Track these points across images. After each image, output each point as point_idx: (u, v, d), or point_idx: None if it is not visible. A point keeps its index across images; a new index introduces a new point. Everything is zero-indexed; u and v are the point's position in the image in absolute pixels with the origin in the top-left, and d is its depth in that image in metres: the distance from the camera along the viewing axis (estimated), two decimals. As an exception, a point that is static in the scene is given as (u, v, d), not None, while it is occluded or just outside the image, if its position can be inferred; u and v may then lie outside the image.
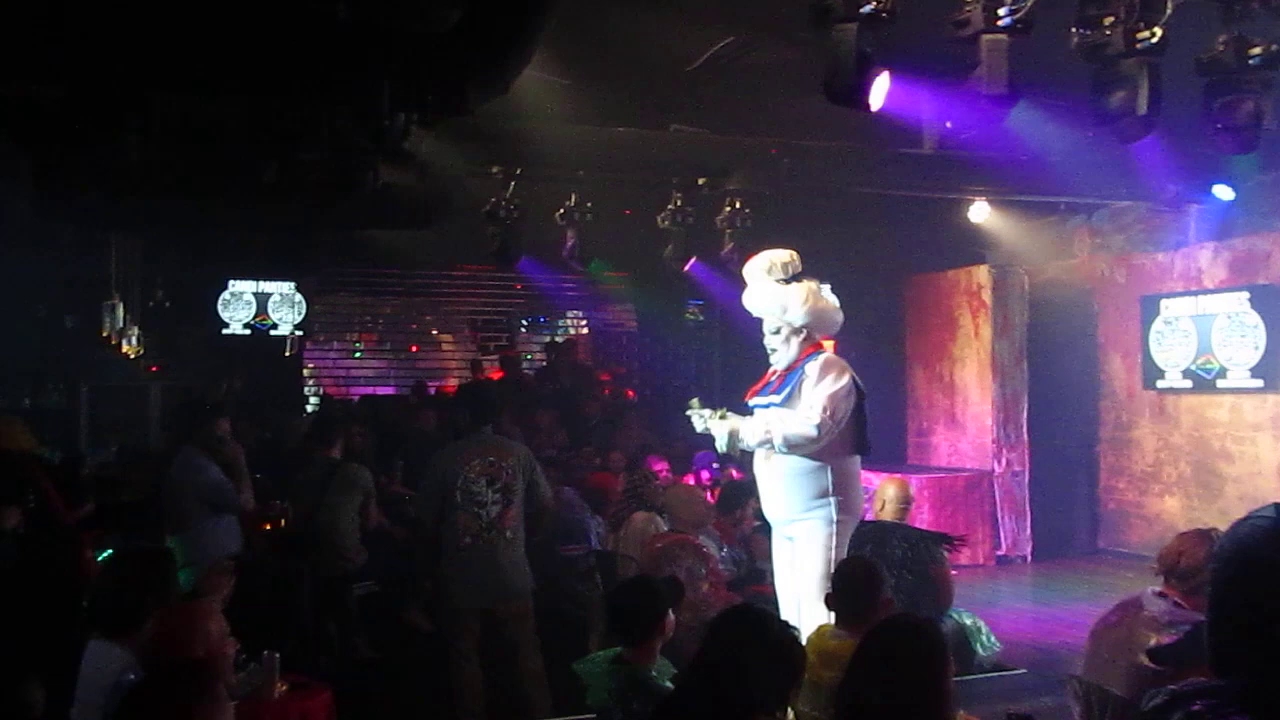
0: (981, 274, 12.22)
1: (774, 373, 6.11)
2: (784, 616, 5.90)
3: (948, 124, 9.27)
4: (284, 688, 4.70)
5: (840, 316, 6.20)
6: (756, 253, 6.29)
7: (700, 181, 8.89)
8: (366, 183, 6.63)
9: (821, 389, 5.74)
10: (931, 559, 6.59)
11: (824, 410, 5.68)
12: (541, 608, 8.03)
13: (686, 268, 9.44)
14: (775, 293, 6.02)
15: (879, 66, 4.90)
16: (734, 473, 9.87)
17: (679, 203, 9.00)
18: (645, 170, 8.76)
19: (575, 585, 7.90)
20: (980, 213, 10.55)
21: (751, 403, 6.15)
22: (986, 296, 12.10)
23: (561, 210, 8.98)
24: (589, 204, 8.97)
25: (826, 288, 6.22)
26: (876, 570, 4.47)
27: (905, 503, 6.96)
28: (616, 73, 8.08)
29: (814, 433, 5.67)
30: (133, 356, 11.73)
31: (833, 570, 5.75)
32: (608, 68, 7.91)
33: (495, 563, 6.34)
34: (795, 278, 6.07)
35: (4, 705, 4.68)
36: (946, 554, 6.77)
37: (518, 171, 8.48)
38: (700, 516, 7.09)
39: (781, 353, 6.02)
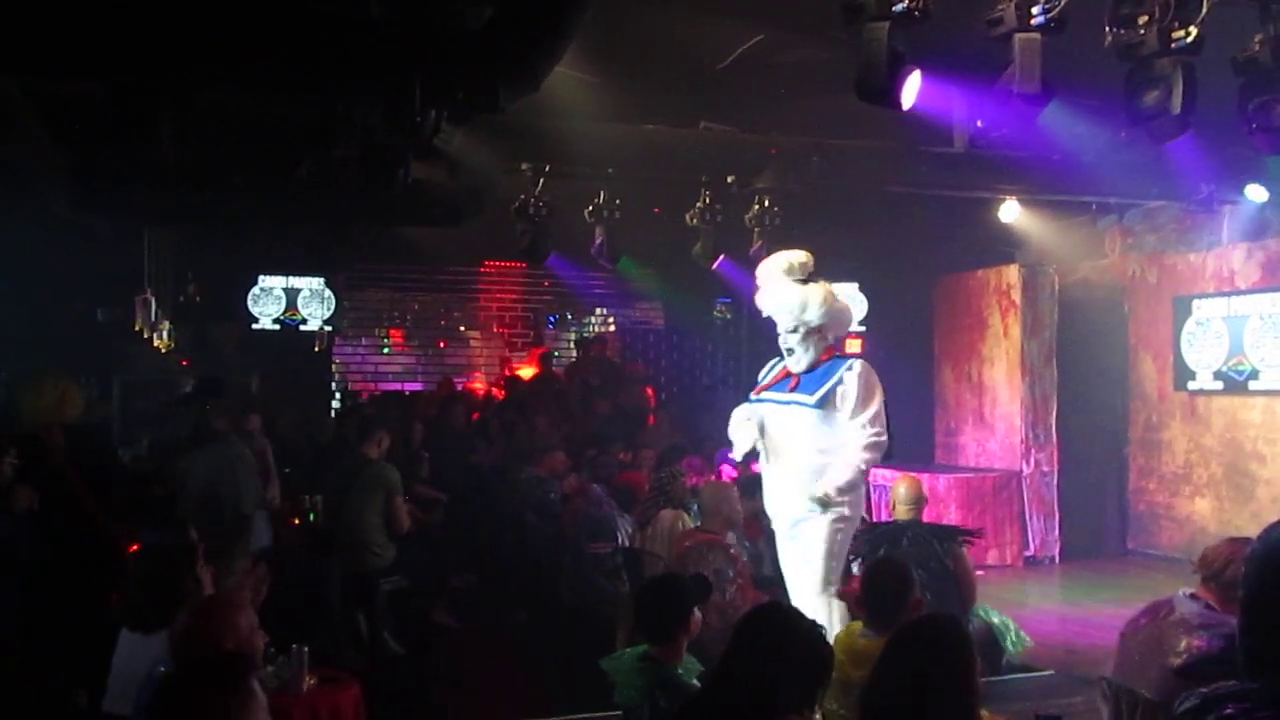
0: (1011, 274, 12.15)
1: (786, 372, 6.13)
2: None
3: (978, 123, 9.22)
4: (313, 681, 4.74)
5: (851, 321, 6.31)
6: (787, 249, 6.32)
7: (729, 179, 8.88)
8: (397, 179, 6.65)
9: (871, 410, 5.86)
10: (949, 555, 6.53)
11: (878, 433, 5.85)
12: (569, 605, 8.09)
13: (715, 265, 9.44)
14: (794, 293, 6.04)
15: (911, 65, 4.88)
16: (754, 467, 9.85)
17: (708, 200, 9.00)
18: (674, 168, 8.76)
19: (602, 583, 7.91)
20: (1011, 212, 10.49)
21: (762, 397, 6.17)
22: (1016, 296, 12.03)
23: (591, 207, 8.99)
24: (618, 201, 8.98)
25: (850, 287, 6.24)
26: (907, 571, 4.45)
27: (917, 502, 6.90)
28: (646, 71, 8.08)
29: (878, 454, 5.89)
30: (164, 351, 11.81)
31: (837, 570, 5.98)
32: (638, 65, 7.91)
33: None
34: (810, 278, 6.11)
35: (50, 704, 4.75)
36: (966, 550, 6.70)
37: (547, 169, 8.49)
38: (732, 516, 7.05)
39: (799, 354, 6.04)
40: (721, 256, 9.39)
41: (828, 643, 3.41)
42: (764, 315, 6.34)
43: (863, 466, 5.90)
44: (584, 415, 11.86)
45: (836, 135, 8.90)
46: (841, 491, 5.84)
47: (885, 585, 4.36)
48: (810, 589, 5.89)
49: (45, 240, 9.99)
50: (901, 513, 6.89)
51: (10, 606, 5.44)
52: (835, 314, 6.08)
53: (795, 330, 6.03)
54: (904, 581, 4.32)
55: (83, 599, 5.50)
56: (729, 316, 15.20)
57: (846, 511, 5.93)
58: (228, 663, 2.73)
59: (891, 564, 4.87)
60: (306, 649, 4.71)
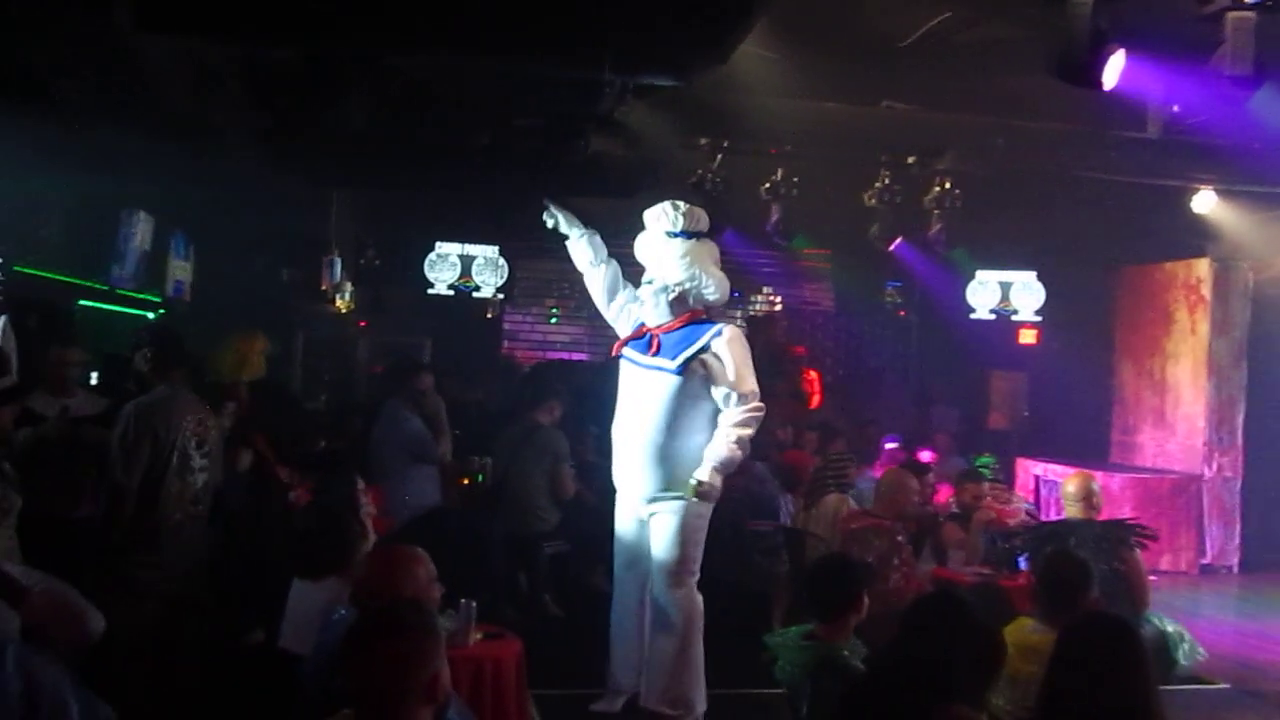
0: (1201, 267, 11.63)
1: (645, 329, 5.78)
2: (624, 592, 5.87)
3: (1175, 107, 8.83)
4: (479, 635, 4.85)
5: (720, 293, 5.78)
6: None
7: (910, 160, 8.72)
8: (577, 150, 6.73)
9: (748, 385, 5.55)
10: (1117, 558, 6.24)
11: (756, 408, 5.56)
12: (726, 581, 8.09)
13: (891, 248, 9.30)
14: (658, 245, 5.74)
15: (1114, 44, 4.70)
16: (921, 455, 9.70)
17: (887, 181, 8.86)
18: (854, 147, 8.64)
19: (760, 560, 7.88)
20: (1205, 202, 10.01)
21: (625, 354, 5.84)
22: (1206, 291, 11.52)
23: (767, 184, 8.94)
24: (795, 179, 8.90)
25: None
26: (1087, 567, 4.33)
27: (1086, 498, 6.62)
28: (828, 47, 7.98)
29: (755, 428, 5.58)
30: (344, 311, 12.23)
31: (696, 556, 5.65)
32: (820, 42, 7.81)
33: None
34: (688, 234, 5.73)
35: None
36: (1138, 552, 6.42)
37: (725, 144, 8.48)
38: (906, 506, 6.89)
39: (649, 307, 5.72)
40: (898, 239, 9.24)
41: (1001, 635, 3.35)
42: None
43: (740, 442, 5.52)
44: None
45: (1022, 116, 8.65)
46: (720, 471, 5.50)
47: (1062, 579, 4.24)
48: (667, 577, 5.58)
49: (237, 201, 10.44)
50: (1073, 510, 6.66)
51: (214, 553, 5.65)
52: (698, 279, 5.65)
53: (651, 282, 5.71)
54: (1083, 576, 4.20)
55: (261, 546, 5.74)
56: (899, 300, 14.95)
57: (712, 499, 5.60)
58: (412, 608, 2.83)
59: (1071, 558, 4.72)
60: (475, 604, 4.83)
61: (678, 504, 5.59)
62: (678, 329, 5.66)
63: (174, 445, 5.26)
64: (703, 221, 5.82)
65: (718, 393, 5.57)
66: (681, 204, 5.79)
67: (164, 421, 5.26)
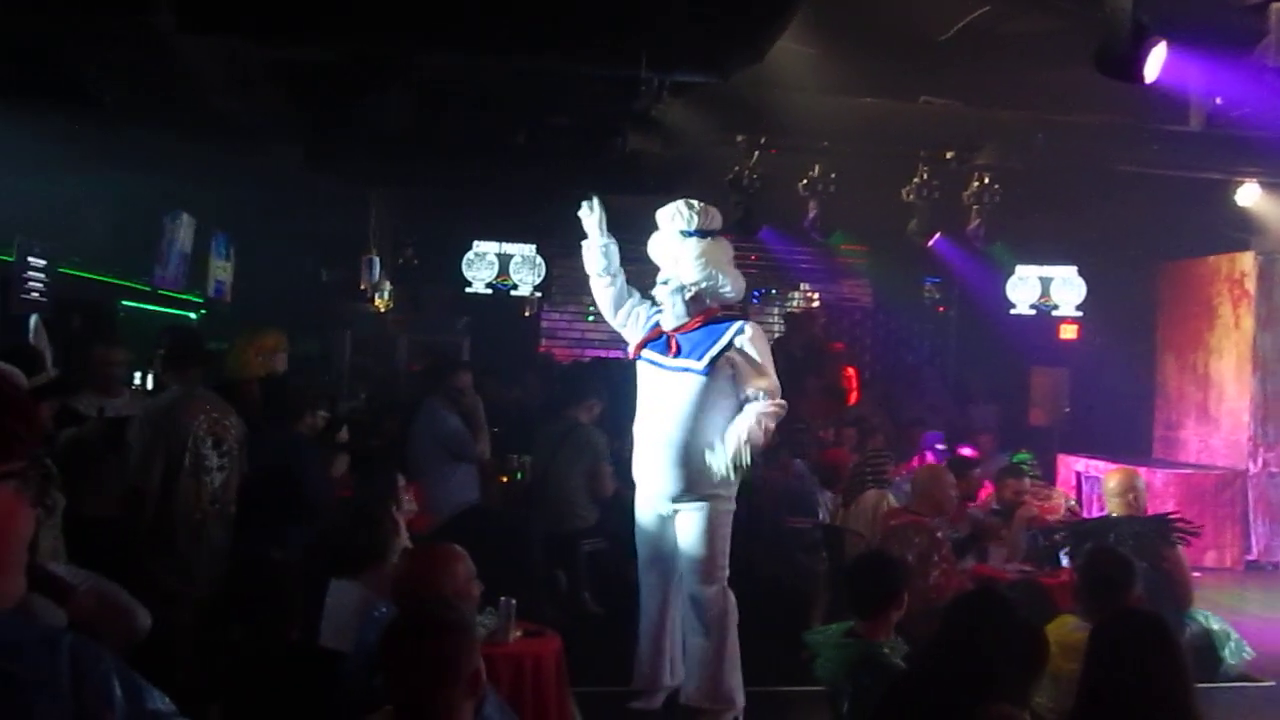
0: (1246, 261, 11.46)
1: (659, 330, 5.73)
2: (648, 590, 5.80)
3: (1218, 99, 8.72)
4: (519, 633, 4.87)
5: (737, 291, 5.76)
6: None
7: (948, 155, 8.66)
8: (614, 149, 6.74)
9: (770, 379, 5.55)
10: (1159, 554, 6.15)
11: (782, 405, 5.56)
12: (765, 578, 8.08)
13: (930, 243, 9.24)
14: (672, 245, 5.67)
15: (1155, 36, 4.65)
16: (963, 450, 9.64)
17: (925, 176, 8.80)
18: (892, 142, 8.59)
19: (800, 557, 7.87)
20: (1249, 195, 9.88)
21: (644, 356, 5.76)
22: (1250, 285, 11.35)
23: (805, 181, 8.90)
24: (833, 175, 8.85)
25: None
26: (1130, 563, 4.27)
27: (1126, 493, 6.52)
28: (866, 43, 7.94)
29: (775, 422, 5.56)
30: (383, 310, 12.30)
31: (725, 553, 5.64)
32: (857, 37, 7.77)
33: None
34: (703, 233, 5.66)
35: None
36: (1180, 549, 6.33)
37: (762, 140, 8.45)
38: (944, 501, 6.83)
39: (667, 308, 5.66)
40: (937, 234, 9.18)
41: (1044, 633, 3.32)
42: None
43: (763, 426, 5.48)
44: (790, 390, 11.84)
45: (1062, 110, 8.57)
46: (749, 444, 5.44)
47: (1104, 576, 4.19)
48: (698, 575, 5.58)
49: (277, 202, 10.52)
50: (1114, 506, 6.59)
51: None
52: (714, 278, 5.60)
53: (666, 283, 5.64)
54: (1125, 573, 4.15)
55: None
56: (937, 296, 14.88)
57: (723, 491, 5.60)
58: (448, 606, 2.85)
59: (1113, 554, 4.67)
60: (514, 601, 4.84)
61: (702, 502, 5.58)
62: (695, 329, 5.63)
63: (185, 446, 5.16)
64: (716, 220, 5.79)
65: (743, 390, 5.56)
66: (695, 203, 5.73)
67: (171, 423, 5.18)
